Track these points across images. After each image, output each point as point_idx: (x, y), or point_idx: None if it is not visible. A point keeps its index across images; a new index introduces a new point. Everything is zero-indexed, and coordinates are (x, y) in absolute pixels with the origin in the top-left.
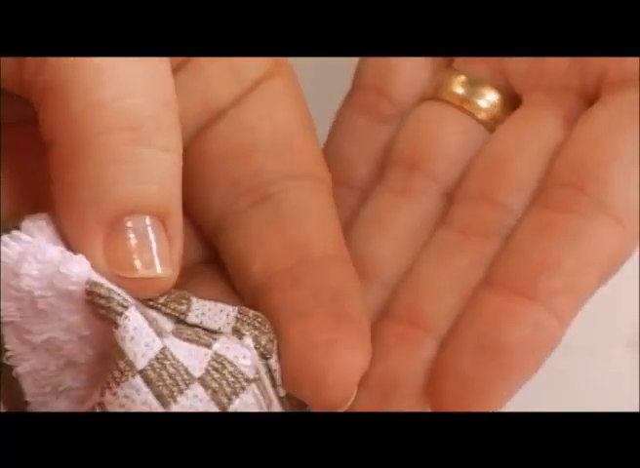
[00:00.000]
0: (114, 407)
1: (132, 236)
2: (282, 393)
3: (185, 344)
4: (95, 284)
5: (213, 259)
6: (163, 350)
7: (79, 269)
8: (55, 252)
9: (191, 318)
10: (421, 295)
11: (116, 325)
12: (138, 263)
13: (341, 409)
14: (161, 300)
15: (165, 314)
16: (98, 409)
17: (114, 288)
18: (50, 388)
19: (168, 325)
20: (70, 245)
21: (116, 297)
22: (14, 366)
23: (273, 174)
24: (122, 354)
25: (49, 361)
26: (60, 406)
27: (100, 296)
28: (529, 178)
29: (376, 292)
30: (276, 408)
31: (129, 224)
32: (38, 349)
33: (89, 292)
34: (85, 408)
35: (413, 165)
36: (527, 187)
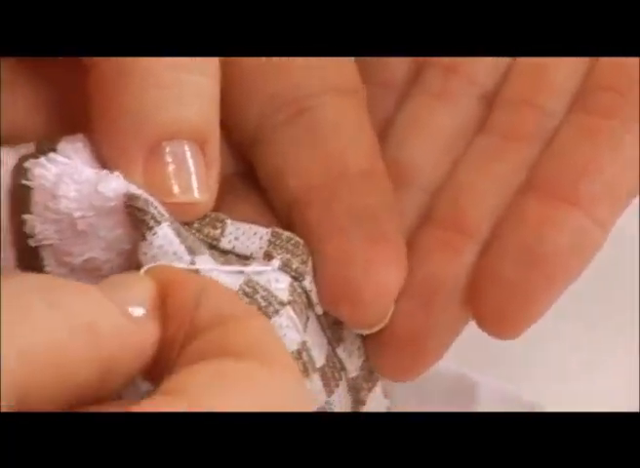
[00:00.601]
0: None
1: (171, 161)
2: (319, 311)
3: (219, 267)
4: (132, 196)
5: (248, 172)
6: (192, 265)
7: (116, 185)
8: (91, 172)
9: (224, 243)
10: (463, 201)
11: (143, 238)
12: (176, 188)
13: (377, 327)
14: (195, 225)
15: (199, 240)
16: None
17: (152, 200)
18: None
19: (202, 250)
20: (108, 168)
21: (152, 211)
22: None
23: (310, 87)
24: (139, 268)
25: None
26: None
27: (138, 209)
28: (569, 82)
29: (414, 196)
30: (313, 326)
31: (168, 149)
32: (77, 270)
33: (127, 206)
34: None
35: (449, 68)
36: (567, 91)
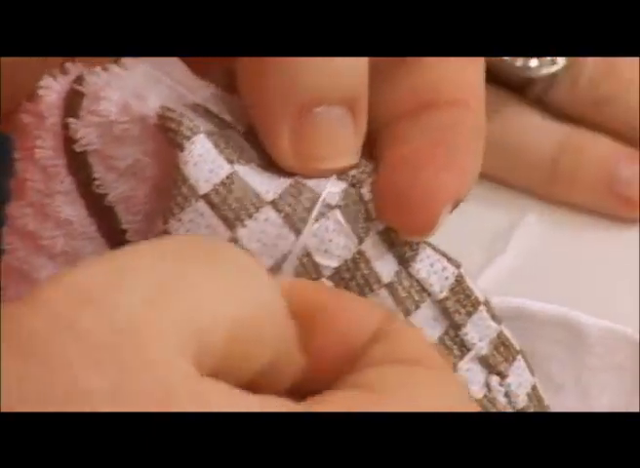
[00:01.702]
0: (180, 232)
1: (320, 126)
2: (380, 226)
3: (269, 171)
4: (167, 109)
5: None
6: (231, 175)
7: (155, 97)
8: (138, 82)
9: None
10: None
11: (181, 148)
12: (324, 154)
13: (429, 235)
14: None
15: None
16: None
17: (188, 113)
18: (141, 216)
19: (242, 160)
20: (256, 130)
21: (187, 122)
22: (105, 194)
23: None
24: (184, 179)
25: (137, 186)
26: (150, 233)
27: (172, 120)
28: None
29: None
30: (374, 239)
31: (319, 114)
32: (125, 175)
33: (160, 117)
34: (150, 236)
35: None
36: None
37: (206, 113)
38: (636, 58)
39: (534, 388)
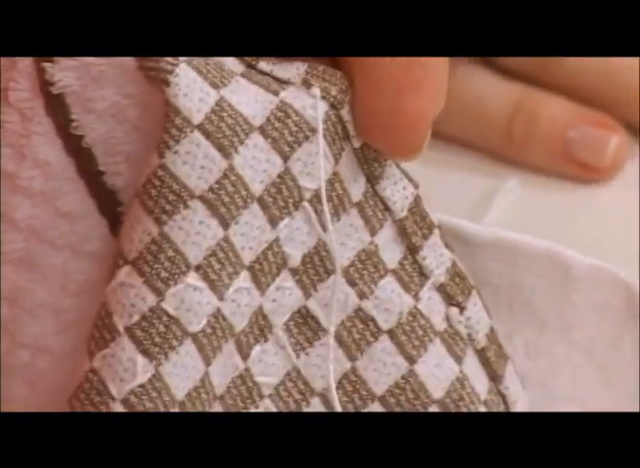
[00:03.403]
0: (177, 165)
1: None
2: (356, 144)
3: (254, 87)
4: None
5: None
6: (219, 102)
7: None
8: None
9: (262, 66)
10: None
11: (167, 83)
12: None
13: (416, 156)
14: None
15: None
16: (160, 172)
17: None
18: (122, 157)
19: (238, 67)
20: None
21: (164, 58)
22: (82, 135)
23: None
24: (177, 111)
25: (115, 127)
26: (131, 174)
27: (148, 59)
28: None
29: None
30: (348, 158)
31: None
32: (103, 116)
33: (137, 58)
34: (145, 173)
35: None
36: None
37: None
38: None
39: (492, 330)
